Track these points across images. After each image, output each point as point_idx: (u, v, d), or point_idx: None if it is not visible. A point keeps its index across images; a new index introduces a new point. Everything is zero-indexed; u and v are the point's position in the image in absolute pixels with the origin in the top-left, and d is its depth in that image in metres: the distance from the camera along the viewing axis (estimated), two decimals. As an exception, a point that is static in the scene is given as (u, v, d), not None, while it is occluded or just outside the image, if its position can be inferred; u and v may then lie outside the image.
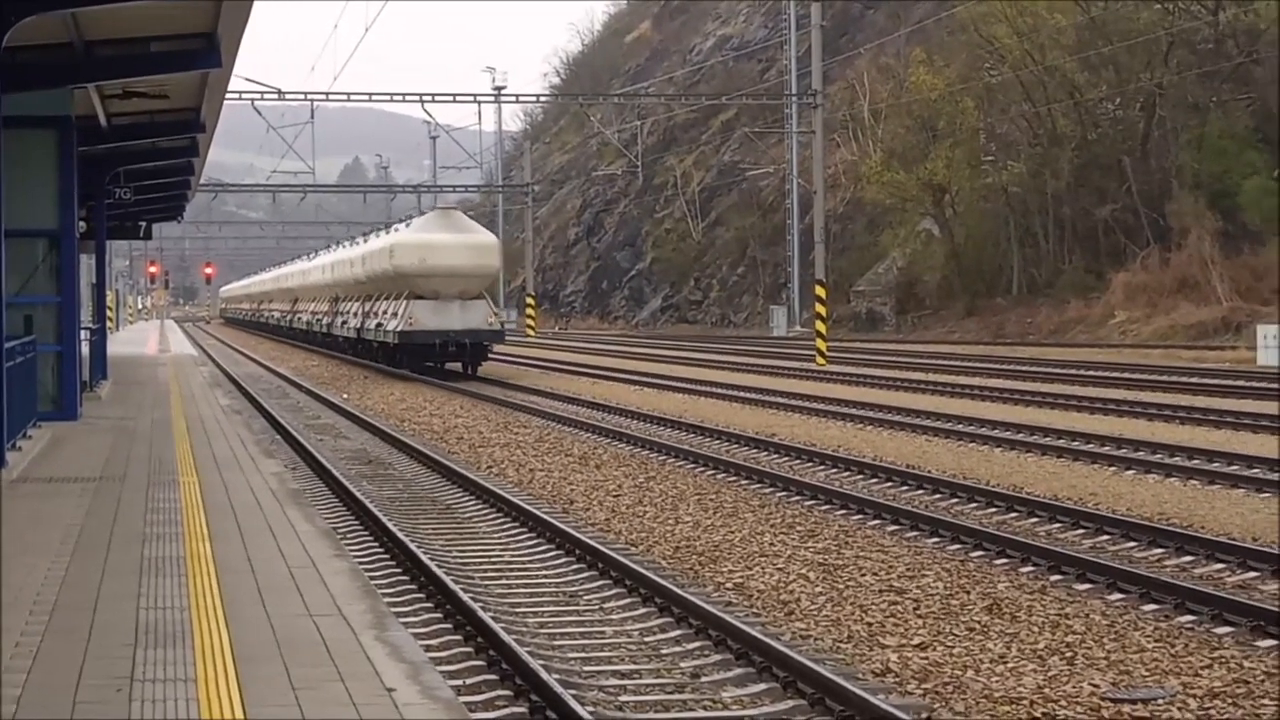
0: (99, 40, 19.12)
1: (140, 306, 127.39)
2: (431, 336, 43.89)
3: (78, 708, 6.86)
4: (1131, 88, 62.18)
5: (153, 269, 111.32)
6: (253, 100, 55.45)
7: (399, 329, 44.65)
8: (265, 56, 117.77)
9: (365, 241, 54.78)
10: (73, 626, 8.55)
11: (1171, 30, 60.41)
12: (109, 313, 45.92)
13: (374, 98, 62.49)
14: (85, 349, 26.12)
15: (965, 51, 69.18)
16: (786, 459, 22.48)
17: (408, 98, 60.37)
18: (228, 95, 26.09)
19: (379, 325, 47.56)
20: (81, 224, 26.63)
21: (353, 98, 62.17)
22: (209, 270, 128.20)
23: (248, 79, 76.51)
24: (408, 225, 49.88)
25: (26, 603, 9.21)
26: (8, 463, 15.47)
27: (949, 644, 11.08)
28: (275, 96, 56.88)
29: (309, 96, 58.52)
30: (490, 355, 46.82)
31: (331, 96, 61.35)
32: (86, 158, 24.42)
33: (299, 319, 70.12)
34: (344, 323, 54.82)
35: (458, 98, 64.45)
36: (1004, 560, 14.20)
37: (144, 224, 40.43)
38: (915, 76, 69.62)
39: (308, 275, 69.43)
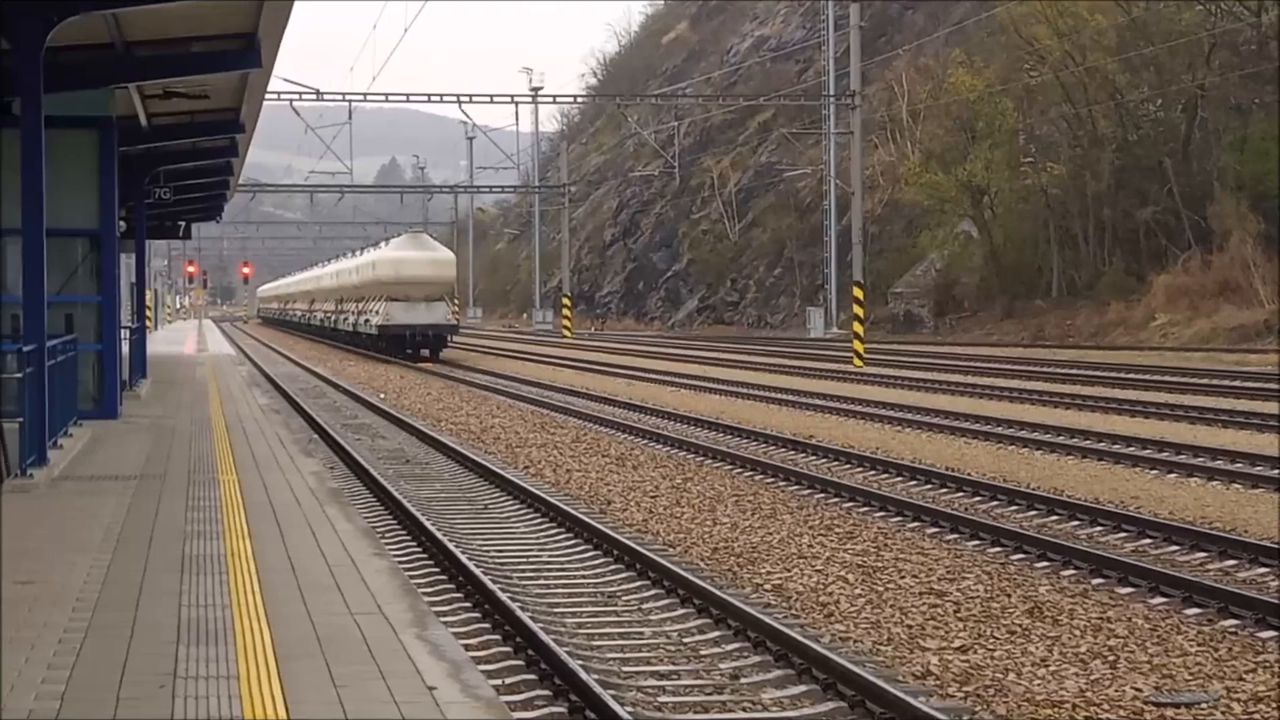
0: (140, 41, 19.22)
1: (178, 306, 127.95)
2: (403, 329, 56.39)
3: (121, 705, 6.87)
4: (1173, 89, 61.80)
5: (191, 269, 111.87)
6: (291, 101, 55.64)
7: (379, 323, 57.47)
8: (303, 57, 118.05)
9: (359, 255, 68.82)
10: (115, 624, 8.57)
11: (1214, 31, 60.06)
12: (148, 312, 46.12)
13: (411, 98, 62.49)
14: (125, 348, 26.21)
15: (1005, 52, 68.86)
16: (824, 461, 22.42)
17: (445, 98, 60.47)
18: (266, 96, 26.15)
19: (366, 320, 60.48)
20: (121, 224, 26.76)
21: (390, 98, 62.13)
22: (246, 270, 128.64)
23: (286, 79, 76.86)
24: (387, 245, 62.94)
25: (69, 600, 9.25)
26: (49, 460, 15.54)
27: (990, 647, 11.02)
28: (313, 97, 57.02)
29: (347, 97, 58.52)
30: (450, 344, 59.11)
31: (369, 97, 61.17)
32: (127, 158, 24.54)
33: (314, 317, 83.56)
34: (345, 319, 67.87)
35: (495, 98, 64.40)
36: (1045, 563, 14.12)
37: (183, 224, 40.62)
38: (954, 77, 69.36)
39: (320, 280, 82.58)
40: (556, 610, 12.41)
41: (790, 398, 33.98)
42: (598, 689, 9.34)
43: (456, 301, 62.00)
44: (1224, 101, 61.11)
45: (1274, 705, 9.58)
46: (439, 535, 14.99)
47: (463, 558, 13.72)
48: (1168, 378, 37.37)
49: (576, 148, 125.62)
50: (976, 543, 15.29)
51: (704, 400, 34.21)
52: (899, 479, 20.24)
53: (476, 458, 22.44)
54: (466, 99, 60.50)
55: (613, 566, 14.24)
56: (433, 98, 61.33)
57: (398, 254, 59.08)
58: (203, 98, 23.16)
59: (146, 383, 30.05)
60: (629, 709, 9.30)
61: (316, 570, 10.34)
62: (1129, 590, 12.90)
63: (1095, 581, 13.29)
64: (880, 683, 9.47)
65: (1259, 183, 57.46)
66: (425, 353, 56.70)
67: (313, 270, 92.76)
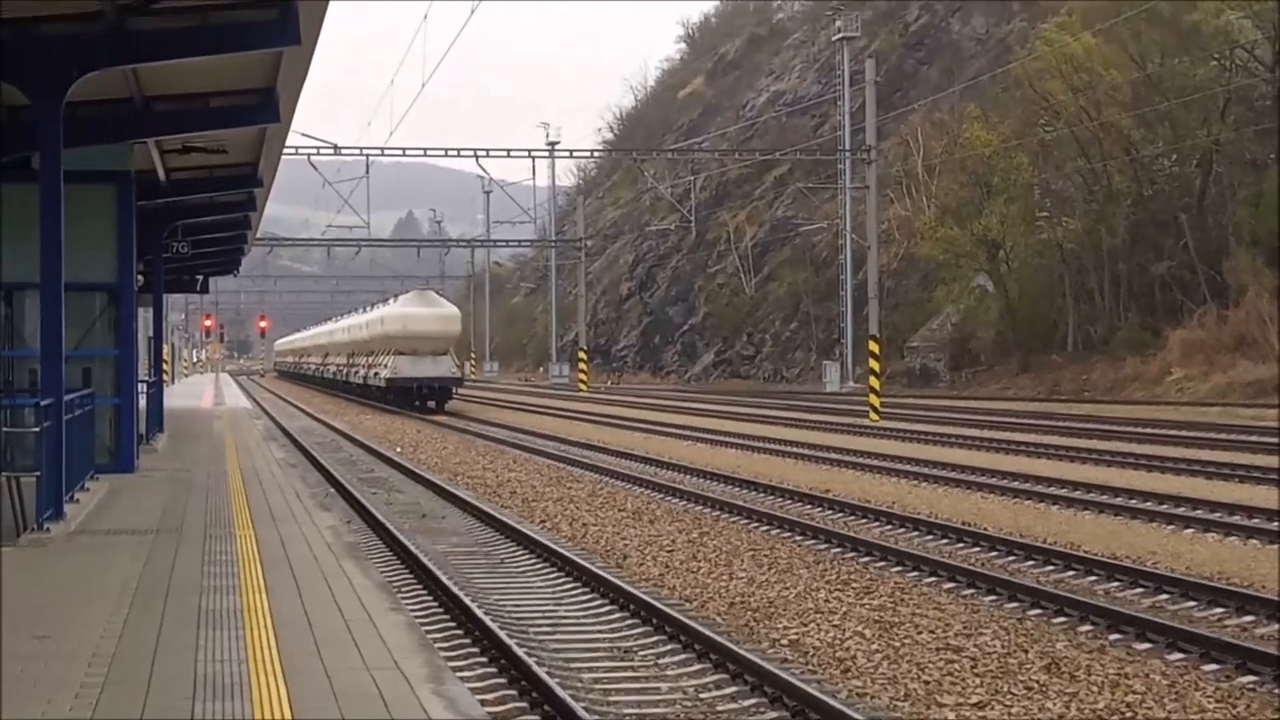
0: (159, 96, 19.34)
1: (195, 360, 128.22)
2: (410, 382, 59.48)
3: (136, 760, 6.86)
4: (1188, 144, 61.90)
5: (208, 322, 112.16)
6: (309, 155, 55.81)
7: (387, 376, 60.40)
8: (321, 112, 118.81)
9: (368, 311, 72.33)
10: (132, 678, 8.57)
11: (1229, 87, 60.19)
12: (165, 366, 46.22)
13: (429, 152, 62.56)
14: (142, 402, 26.26)
15: (1020, 107, 69.04)
16: (840, 515, 22.39)
17: (462, 153, 60.65)
18: (284, 150, 26.27)
19: (375, 373, 63.40)
20: (139, 277, 26.85)
21: (408, 152, 62.49)
22: (263, 324, 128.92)
23: (304, 134, 76.92)
24: (395, 300, 65.75)
25: (85, 654, 9.25)
26: (66, 514, 15.55)
27: (1007, 703, 10.98)
28: (331, 151, 57.16)
29: (364, 151, 58.77)
30: (454, 395, 62.28)
31: (387, 151, 61.51)
32: (145, 212, 24.64)
33: (328, 370, 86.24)
34: (356, 372, 70.62)
35: (512, 153, 64.76)
36: (1062, 619, 14.07)
37: (201, 277, 40.73)
38: (969, 132, 69.49)
39: (333, 335, 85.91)
40: (573, 665, 12.38)
41: (806, 452, 33.94)
42: (614, 745, 9.32)
43: (472, 354, 66.36)
44: (1239, 156, 61.17)
45: (1293, 763, 9.53)
46: (455, 590, 14.98)
47: (479, 612, 13.71)
48: (1184, 432, 37.27)
49: (593, 202, 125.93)
50: (993, 598, 15.24)
51: (720, 454, 34.18)
52: (915, 534, 20.20)
53: (493, 512, 22.44)
54: (483, 153, 60.68)
55: (629, 621, 14.21)
56: (449, 152, 61.49)
57: (405, 310, 62.33)
58: (221, 152, 23.28)
59: (163, 436, 30.09)
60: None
61: (333, 625, 10.33)
62: (1146, 646, 12.85)
63: (1112, 637, 13.25)
64: (897, 739, 9.44)
65: (1274, 237, 57.42)
66: (431, 404, 59.34)
67: (326, 325, 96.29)
